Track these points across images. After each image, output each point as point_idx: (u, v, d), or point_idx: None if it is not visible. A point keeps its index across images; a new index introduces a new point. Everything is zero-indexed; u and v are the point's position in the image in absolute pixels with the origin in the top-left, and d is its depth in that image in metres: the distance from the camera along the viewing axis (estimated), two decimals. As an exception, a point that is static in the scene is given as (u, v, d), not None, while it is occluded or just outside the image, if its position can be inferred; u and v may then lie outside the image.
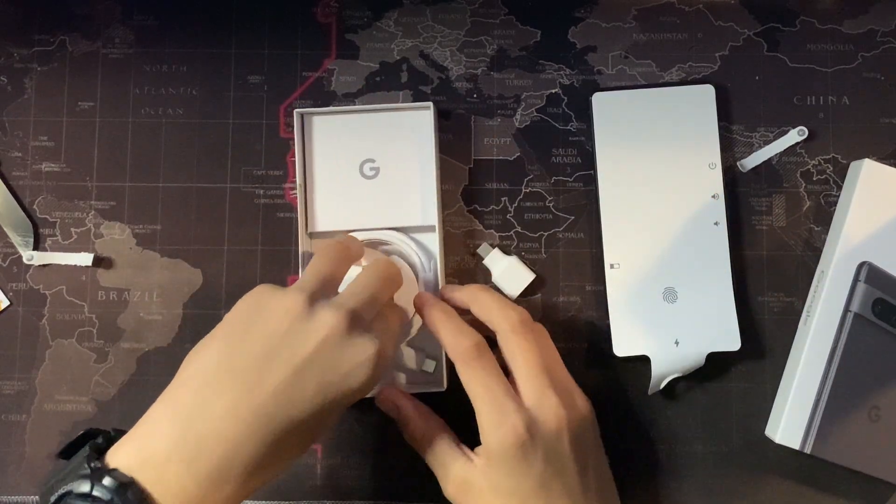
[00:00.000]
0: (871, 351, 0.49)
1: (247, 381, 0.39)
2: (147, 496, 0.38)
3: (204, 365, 0.41)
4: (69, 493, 0.38)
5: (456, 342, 0.45)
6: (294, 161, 0.53)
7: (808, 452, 0.49)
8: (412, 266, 0.51)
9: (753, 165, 0.53)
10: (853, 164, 0.52)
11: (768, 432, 0.51)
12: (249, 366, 0.40)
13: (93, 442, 0.40)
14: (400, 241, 0.51)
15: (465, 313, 0.48)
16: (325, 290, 0.44)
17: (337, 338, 0.41)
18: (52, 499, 0.38)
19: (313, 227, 0.52)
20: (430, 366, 0.51)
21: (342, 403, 0.42)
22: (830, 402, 0.49)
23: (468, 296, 0.48)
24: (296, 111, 0.51)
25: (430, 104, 0.51)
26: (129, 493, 0.37)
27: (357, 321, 0.42)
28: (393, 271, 0.46)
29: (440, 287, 0.50)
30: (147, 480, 0.38)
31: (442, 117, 0.54)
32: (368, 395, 0.49)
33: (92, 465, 0.38)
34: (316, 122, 0.52)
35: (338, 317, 0.41)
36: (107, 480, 0.37)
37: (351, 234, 0.51)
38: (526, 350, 0.45)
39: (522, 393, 0.44)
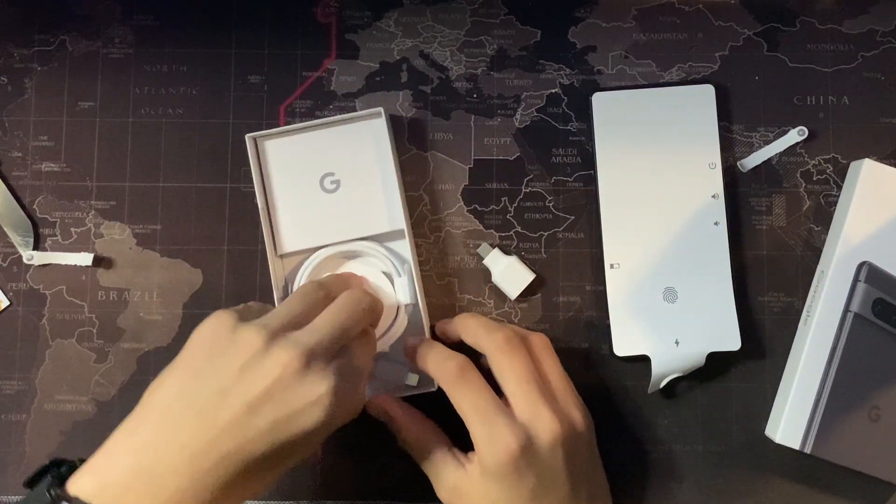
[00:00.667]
0: (871, 351, 0.49)
1: (201, 417, 0.40)
2: None
3: (162, 398, 0.41)
4: None
5: (439, 367, 0.46)
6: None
7: (808, 452, 0.49)
8: (387, 275, 0.51)
9: (753, 165, 0.53)
10: (853, 164, 0.52)
11: (768, 432, 0.51)
12: (204, 402, 0.40)
13: (55, 470, 0.41)
14: (370, 250, 0.51)
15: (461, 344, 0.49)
16: (288, 325, 0.43)
17: (290, 377, 0.40)
18: None
19: (282, 249, 0.51)
20: (412, 379, 0.51)
21: (301, 441, 0.41)
22: (830, 402, 0.49)
23: (457, 325, 0.49)
24: (247, 136, 0.51)
25: (381, 110, 0.51)
26: None
27: (315, 359, 0.41)
28: (363, 305, 0.45)
29: (419, 296, 0.50)
30: None
31: (442, 117, 0.54)
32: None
33: (52, 492, 0.39)
34: (269, 146, 0.52)
35: (292, 355, 0.41)
36: None
37: (322, 248, 0.51)
38: (512, 367, 0.45)
39: (515, 409, 0.45)
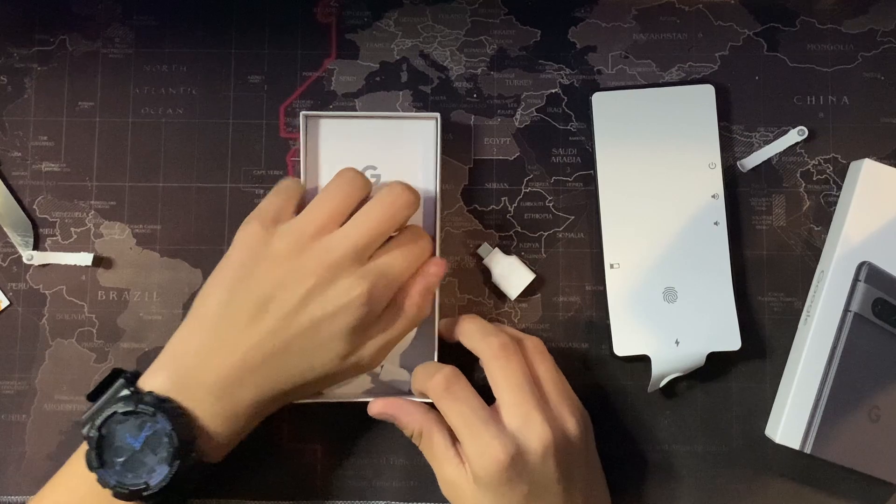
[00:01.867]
0: (871, 351, 0.49)
1: (245, 324, 0.44)
2: (185, 410, 0.43)
3: (210, 308, 0.45)
4: (113, 414, 0.43)
5: (427, 381, 0.46)
6: (294, 161, 0.53)
7: (808, 452, 0.49)
8: None
9: (753, 165, 0.53)
10: (853, 164, 0.52)
11: (768, 432, 0.51)
12: (247, 313, 0.44)
13: (124, 374, 0.45)
14: None
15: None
16: (324, 228, 0.45)
17: (324, 283, 0.44)
18: (98, 421, 0.43)
19: None
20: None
21: (346, 336, 0.44)
22: (830, 402, 0.49)
23: (457, 328, 0.49)
24: (302, 113, 0.51)
25: (437, 115, 0.51)
26: (169, 406, 0.43)
27: (347, 264, 0.44)
28: (403, 200, 0.46)
29: (436, 307, 0.50)
30: (179, 398, 0.43)
31: (442, 117, 0.54)
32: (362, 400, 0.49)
33: (130, 389, 0.44)
34: (322, 126, 0.52)
35: (322, 264, 0.44)
36: (147, 398, 0.43)
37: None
38: (506, 374, 0.45)
39: (504, 417, 0.45)
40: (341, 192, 0.46)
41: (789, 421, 0.49)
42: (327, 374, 0.45)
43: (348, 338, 0.44)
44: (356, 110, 0.54)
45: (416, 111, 0.53)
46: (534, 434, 0.44)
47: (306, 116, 0.51)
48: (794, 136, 0.53)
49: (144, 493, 0.42)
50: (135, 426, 0.43)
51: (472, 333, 0.48)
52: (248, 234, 0.46)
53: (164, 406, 0.43)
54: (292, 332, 0.44)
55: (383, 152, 0.52)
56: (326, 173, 0.52)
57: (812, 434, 0.49)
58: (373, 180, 0.52)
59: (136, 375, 0.45)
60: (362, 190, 0.46)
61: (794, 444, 0.49)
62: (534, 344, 0.48)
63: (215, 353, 0.44)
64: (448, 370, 0.46)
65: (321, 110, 0.53)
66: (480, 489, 0.44)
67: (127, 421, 0.43)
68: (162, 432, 0.42)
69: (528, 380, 0.46)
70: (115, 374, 0.45)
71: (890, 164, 0.52)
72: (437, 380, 0.46)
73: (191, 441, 0.43)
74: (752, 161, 0.53)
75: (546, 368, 0.47)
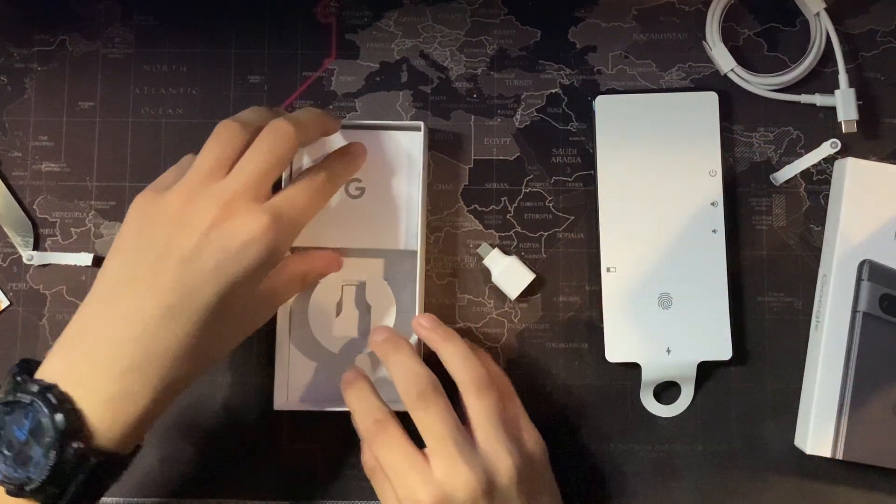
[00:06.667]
0: (886, 347, 0.48)
1: (145, 283, 0.41)
2: (68, 397, 0.39)
3: (106, 280, 0.42)
4: None
5: (406, 386, 0.44)
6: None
7: (841, 458, 0.48)
8: (388, 280, 0.50)
9: (786, 178, 0.52)
10: (837, 164, 0.51)
11: (797, 443, 0.50)
12: (145, 271, 0.41)
13: (23, 362, 0.42)
14: (374, 284, 0.50)
15: None
16: (212, 174, 0.43)
17: (218, 226, 0.41)
18: None
19: (295, 242, 0.50)
20: None
21: (252, 280, 0.42)
22: (854, 405, 0.47)
23: (435, 343, 0.47)
24: None
25: (422, 124, 0.50)
26: (51, 395, 0.39)
27: (241, 202, 0.42)
28: (283, 132, 0.44)
29: (416, 315, 0.49)
30: (68, 384, 0.40)
31: (442, 117, 0.53)
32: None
33: (18, 378, 0.40)
34: None
35: (213, 206, 0.42)
36: (31, 387, 0.39)
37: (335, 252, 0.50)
38: (480, 409, 0.44)
39: (478, 440, 0.43)
40: (220, 142, 0.43)
41: (816, 430, 0.48)
42: (242, 321, 0.44)
43: (259, 276, 0.43)
44: (356, 110, 0.52)
45: (415, 111, 0.52)
46: (499, 460, 0.43)
47: None
48: (827, 148, 0.51)
49: (27, 488, 0.38)
50: (21, 417, 0.39)
51: (451, 360, 0.45)
52: (140, 200, 0.43)
53: (47, 393, 0.39)
54: (190, 280, 0.41)
55: (368, 165, 0.50)
56: None
57: (841, 440, 0.48)
58: (356, 192, 0.50)
59: (38, 364, 0.42)
60: (241, 136, 0.44)
61: (826, 452, 0.48)
62: (501, 383, 0.47)
63: (114, 325, 0.41)
64: (428, 383, 0.44)
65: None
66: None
67: (13, 412, 0.39)
68: (44, 422, 0.39)
69: (497, 415, 0.44)
70: (22, 361, 0.42)
71: (890, 165, 0.51)
72: (417, 391, 0.44)
73: (75, 430, 0.39)
74: (784, 174, 0.51)
75: (511, 403, 0.47)
